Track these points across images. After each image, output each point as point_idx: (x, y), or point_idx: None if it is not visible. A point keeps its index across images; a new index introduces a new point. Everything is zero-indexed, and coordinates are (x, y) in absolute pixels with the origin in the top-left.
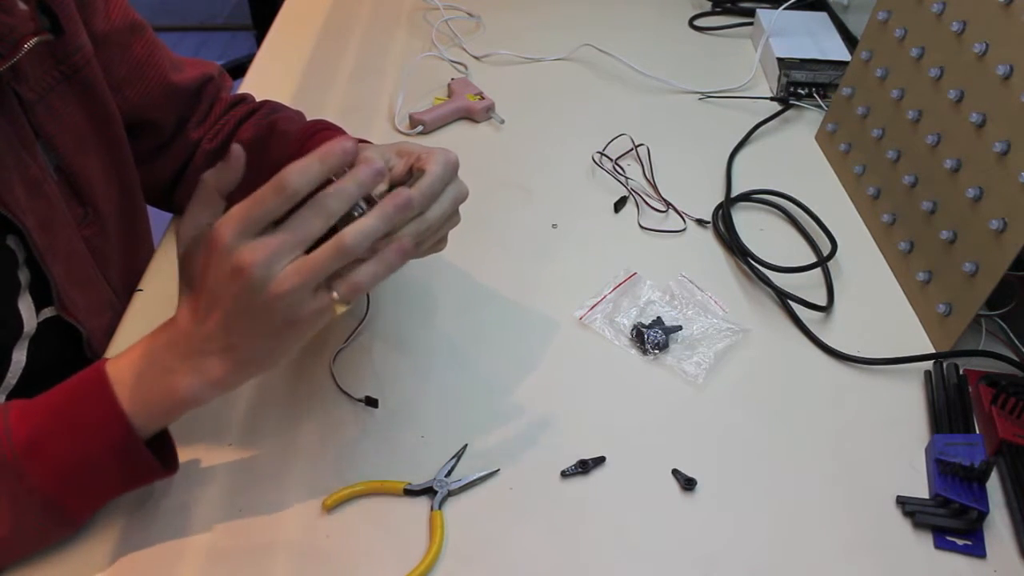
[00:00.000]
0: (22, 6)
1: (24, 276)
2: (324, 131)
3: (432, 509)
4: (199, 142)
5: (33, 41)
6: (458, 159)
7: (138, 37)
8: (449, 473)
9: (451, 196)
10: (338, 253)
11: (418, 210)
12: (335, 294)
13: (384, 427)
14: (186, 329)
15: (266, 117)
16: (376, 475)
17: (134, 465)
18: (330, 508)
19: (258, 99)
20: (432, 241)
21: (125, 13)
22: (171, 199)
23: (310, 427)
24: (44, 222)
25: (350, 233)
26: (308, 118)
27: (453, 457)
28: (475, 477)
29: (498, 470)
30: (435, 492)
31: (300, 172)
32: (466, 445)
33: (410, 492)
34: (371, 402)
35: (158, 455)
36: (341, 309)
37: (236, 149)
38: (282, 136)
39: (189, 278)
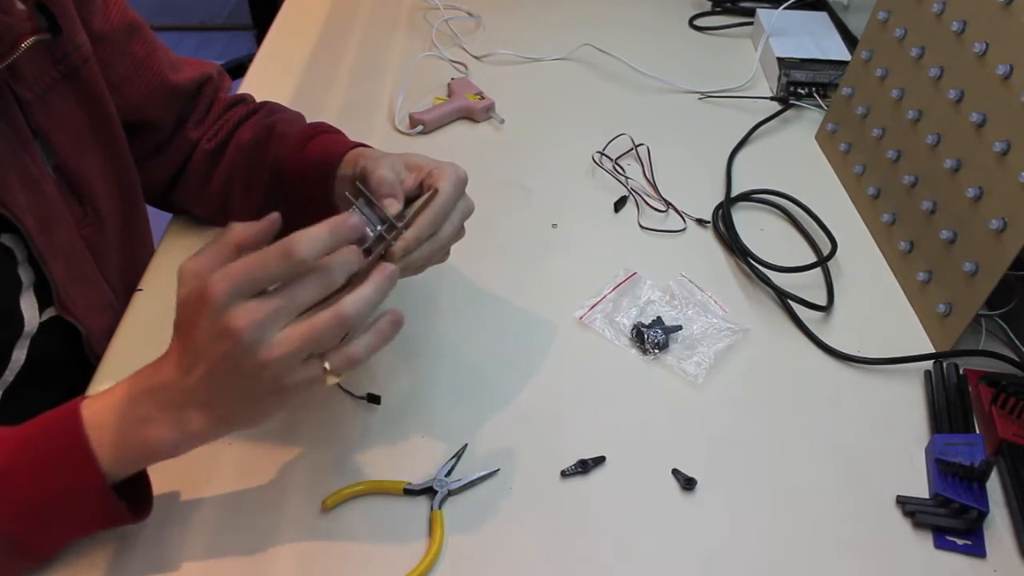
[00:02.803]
0: (20, 5)
1: (27, 275)
2: (323, 134)
3: (432, 509)
4: (198, 142)
5: (30, 40)
6: (467, 175)
7: (137, 37)
8: (449, 473)
9: (460, 213)
10: (336, 323)
11: (433, 230)
12: (328, 365)
13: (384, 427)
14: (169, 379)
15: (266, 118)
16: (376, 475)
17: (102, 509)
18: (330, 508)
19: (258, 99)
20: (438, 256)
21: (124, 13)
22: (169, 199)
23: (310, 427)
24: (43, 221)
25: (349, 304)
26: (308, 119)
27: (453, 457)
28: (475, 477)
29: (498, 470)
30: (435, 492)
31: (310, 241)
32: (466, 445)
33: (410, 492)
34: (373, 399)
35: (133, 496)
36: (333, 380)
37: (274, 217)
38: (281, 138)
39: (180, 324)
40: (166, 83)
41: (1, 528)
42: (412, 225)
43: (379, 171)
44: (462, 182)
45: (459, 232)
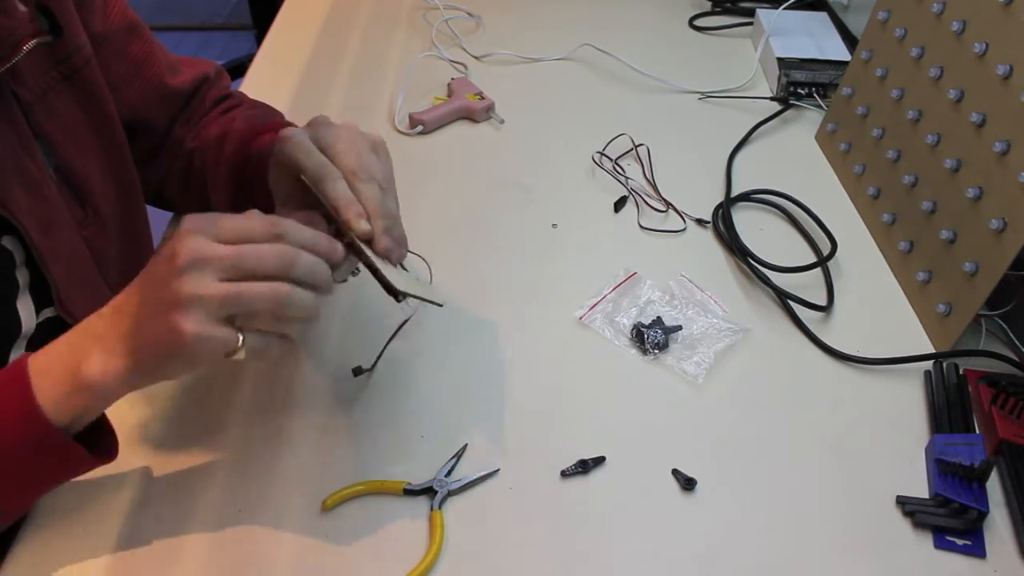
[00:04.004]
0: (21, 8)
1: (23, 277)
2: (266, 133)
3: (432, 509)
4: (183, 141)
5: (32, 43)
6: (324, 118)
7: (136, 38)
8: (449, 473)
9: (352, 144)
10: (268, 298)
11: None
12: (243, 338)
13: (384, 427)
14: (109, 307)
15: (234, 115)
16: (376, 475)
17: (56, 455)
18: (330, 508)
19: (258, 99)
20: (389, 199)
21: (123, 14)
22: (165, 199)
23: (310, 427)
24: (44, 223)
25: (287, 285)
26: (308, 118)
27: (453, 457)
28: (475, 477)
29: (498, 470)
30: (435, 492)
31: (297, 228)
32: (466, 445)
33: (410, 492)
34: (358, 372)
35: (93, 443)
36: (239, 356)
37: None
38: (234, 133)
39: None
40: (163, 86)
41: None
42: (337, 210)
43: (329, 188)
44: (312, 139)
45: (370, 161)
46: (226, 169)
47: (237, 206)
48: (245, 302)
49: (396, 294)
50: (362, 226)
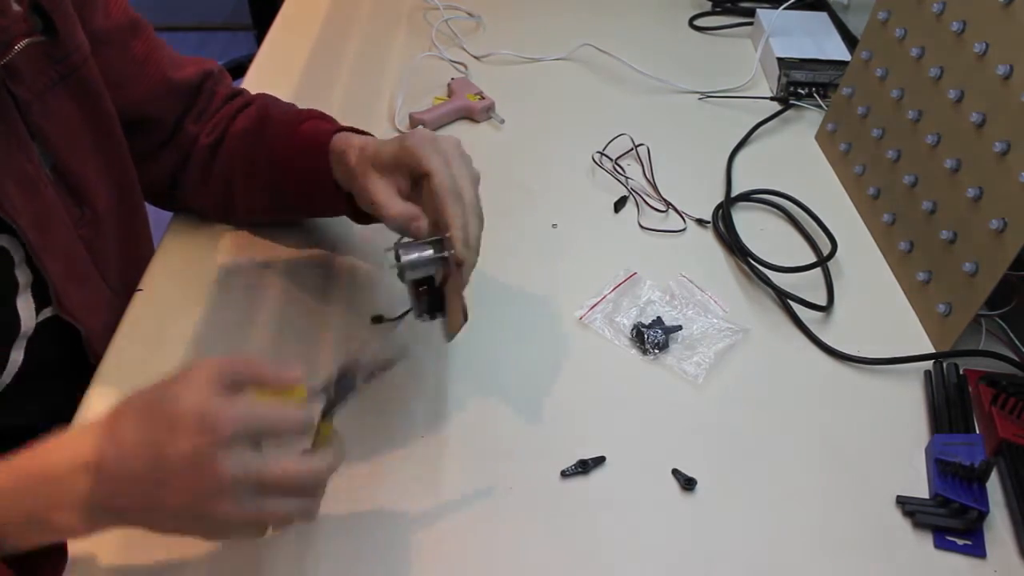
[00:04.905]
0: (15, 7)
1: (24, 276)
2: (313, 119)
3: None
4: (197, 136)
5: (24, 42)
6: (433, 136)
7: (138, 36)
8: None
9: (466, 177)
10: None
11: (460, 211)
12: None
13: (384, 427)
14: (96, 467)
15: (259, 110)
16: (376, 475)
17: None
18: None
19: None
20: (478, 224)
21: (125, 11)
22: (172, 197)
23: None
24: (39, 221)
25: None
26: None
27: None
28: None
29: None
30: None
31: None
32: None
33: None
34: (378, 320)
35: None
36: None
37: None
38: (274, 122)
39: (160, 410)
40: (168, 80)
41: None
42: (451, 225)
43: (393, 208)
44: (440, 150)
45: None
46: (268, 154)
47: (275, 194)
48: (287, 482)
49: (459, 323)
50: (467, 257)
